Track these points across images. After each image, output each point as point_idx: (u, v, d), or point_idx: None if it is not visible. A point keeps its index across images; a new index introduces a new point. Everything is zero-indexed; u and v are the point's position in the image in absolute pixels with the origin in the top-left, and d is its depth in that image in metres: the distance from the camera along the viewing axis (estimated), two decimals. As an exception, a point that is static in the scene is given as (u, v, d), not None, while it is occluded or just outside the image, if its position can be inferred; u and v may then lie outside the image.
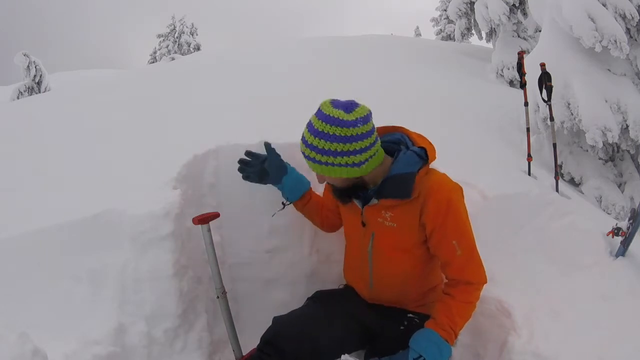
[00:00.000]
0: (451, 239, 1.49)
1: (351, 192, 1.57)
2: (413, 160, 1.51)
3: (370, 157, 1.47)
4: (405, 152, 1.53)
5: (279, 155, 1.84)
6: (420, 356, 1.39)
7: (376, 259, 1.61)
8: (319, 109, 1.48)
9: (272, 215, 1.95)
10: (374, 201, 1.55)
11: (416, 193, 1.48)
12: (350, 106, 1.45)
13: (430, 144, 1.63)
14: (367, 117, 1.46)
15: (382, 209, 1.54)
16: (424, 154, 1.55)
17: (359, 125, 1.42)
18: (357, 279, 1.74)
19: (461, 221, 1.51)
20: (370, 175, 1.53)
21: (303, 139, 1.50)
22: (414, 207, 1.50)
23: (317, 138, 1.44)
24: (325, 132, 1.42)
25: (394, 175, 1.49)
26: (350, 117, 1.42)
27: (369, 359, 1.59)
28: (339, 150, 1.42)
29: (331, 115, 1.42)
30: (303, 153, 1.52)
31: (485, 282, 1.57)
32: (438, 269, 1.68)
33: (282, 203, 1.89)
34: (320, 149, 1.44)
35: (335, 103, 1.46)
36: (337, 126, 1.41)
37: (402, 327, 1.60)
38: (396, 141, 1.61)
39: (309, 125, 1.48)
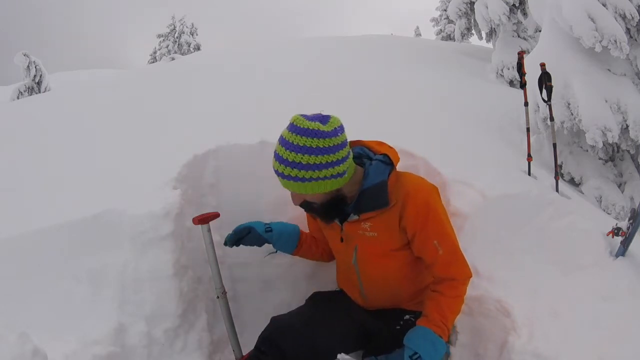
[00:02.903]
0: (432, 240, 1.50)
1: (336, 207, 1.50)
2: (380, 169, 1.51)
3: (349, 165, 1.45)
4: (371, 164, 1.54)
5: (249, 231, 1.77)
6: (416, 353, 1.40)
7: (363, 269, 1.62)
8: (291, 124, 1.40)
9: (265, 257, 1.92)
10: (354, 217, 1.55)
11: (393, 200, 1.48)
12: (324, 118, 1.41)
13: (390, 148, 1.62)
14: (342, 126, 1.43)
15: (361, 222, 1.55)
16: (388, 160, 1.55)
17: (338, 134, 1.39)
18: (350, 288, 1.75)
19: (440, 222, 1.52)
20: (348, 185, 1.48)
21: (279, 158, 1.40)
22: (393, 213, 1.50)
23: (299, 154, 1.36)
24: (308, 145, 1.35)
25: (368, 188, 1.49)
26: (328, 127, 1.38)
27: (366, 358, 1.60)
28: (324, 162, 1.37)
29: (310, 128, 1.36)
30: (281, 174, 1.41)
31: (470, 276, 1.59)
32: None
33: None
34: (304, 164, 1.36)
35: (307, 117, 1.41)
36: (319, 138, 1.35)
37: (397, 327, 1.61)
38: (358, 155, 1.59)
39: (285, 144, 1.38)
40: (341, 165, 1.40)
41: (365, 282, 1.64)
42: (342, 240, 1.63)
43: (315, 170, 1.37)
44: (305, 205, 1.50)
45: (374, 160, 1.55)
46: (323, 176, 1.39)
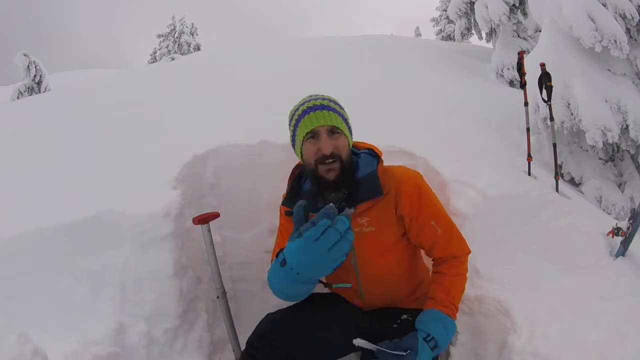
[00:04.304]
0: (430, 221, 1.54)
1: (349, 175, 1.50)
2: (369, 161, 1.57)
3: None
4: (360, 157, 1.59)
5: None
6: (429, 335, 1.42)
7: (362, 269, 1.60)
8: (307, 97, 1.55)
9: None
10: (349, 211, 1.49)
11: (386, 188, 1.52)
12: None
13: (371, 145, 1.67)
14: None
15: (356, 217, 1.53)
16: (374, 153, 1.61)
17: None
18: (347, 291, 1.71)
19: (433, 202, 1.57)
20: (349, 161, 1.51)
21: (316, 99, 1.51)
22: (388, 202, 1.53)
23: (328, 97, 1.54)
24: (330, 97, 1.55)
25: (361, 178, 1.52)
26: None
27: (381, 342, 1.58)
28: (344, 109, 1.56)
29: (323, 94, 1.56)
30: (327, 106, 1.49)
31: (469, 252, 1.62)
32: (422, 261, 1.73)
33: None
34: (337, 102, 1.54)
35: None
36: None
37: (395, 325, 1.61)
38: None
39: (316, 97, 1.52)
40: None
41: (364, 282, 1.63)
42: None
43: (343, 110, 1.56)
44: (332, 157, 1.45)
45: (361, 154, 1.60)
46: (347, 120, 1.56)
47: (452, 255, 1.57)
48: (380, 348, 1.38)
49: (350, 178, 1.50)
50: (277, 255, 1.29)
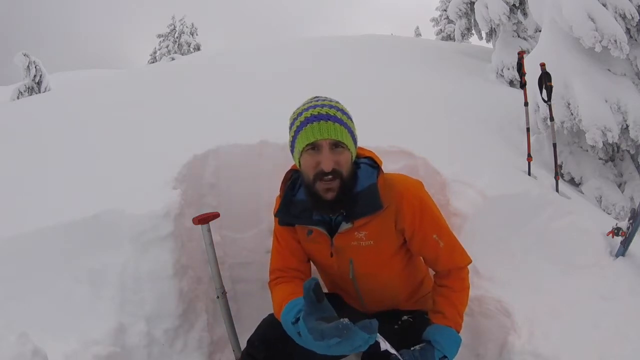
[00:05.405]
0: (432, 235, 1.49)
1: (349, 190, 1.41)
2: (369, 172, 1.48)
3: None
4: (359, 167, 1.49)
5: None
6: (445, 357, 1.43)
7: (361, 282, 1.58)
8: (312, 100, 1.44)
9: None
10: (346, 226, 1.47)
11: (387, 201, 1.44)
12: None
13: (370, 151, 1.59)
14: None
15: (354, 231, 1.48)
16: (374, 163, 1.52)
17: None
18: (347, 297, 1.70)
19: (435, 214, 1.52)
20: (349, 176, 1.43)
21: (322, 107, 1.38)
22: (388, 216, 1.47)
23: (335, 103, 1.43)
24: (337, 104, 1.44)
25: (360, 192, 1.44)
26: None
27: (365, 358, 1.58)
28: (351, 119, 1.44)
29: (329, 98, 1.46)
30: (326, 115, 1.36)
31: (471, 262, 1.58)
32: (420, 261, 1.69)
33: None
34: (344, 111, 1.43)
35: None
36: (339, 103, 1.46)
37: (396, 327, 1.60)
38: None
39: (322, 105, 1.39)
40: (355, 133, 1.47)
41: (363, 292, 1.62)
42: (331, 255, 1.55)
43: (350, 120, 1.44)
44: (332, 173, 1.37)
45: (361, 164, 1.51)
46: (353, 131, 1.44)
47: (457, 266, 1.54)
48: (396, 353, 1.34)
49: (348, 194, 1.41)
50: (290, 299, 1.35)
